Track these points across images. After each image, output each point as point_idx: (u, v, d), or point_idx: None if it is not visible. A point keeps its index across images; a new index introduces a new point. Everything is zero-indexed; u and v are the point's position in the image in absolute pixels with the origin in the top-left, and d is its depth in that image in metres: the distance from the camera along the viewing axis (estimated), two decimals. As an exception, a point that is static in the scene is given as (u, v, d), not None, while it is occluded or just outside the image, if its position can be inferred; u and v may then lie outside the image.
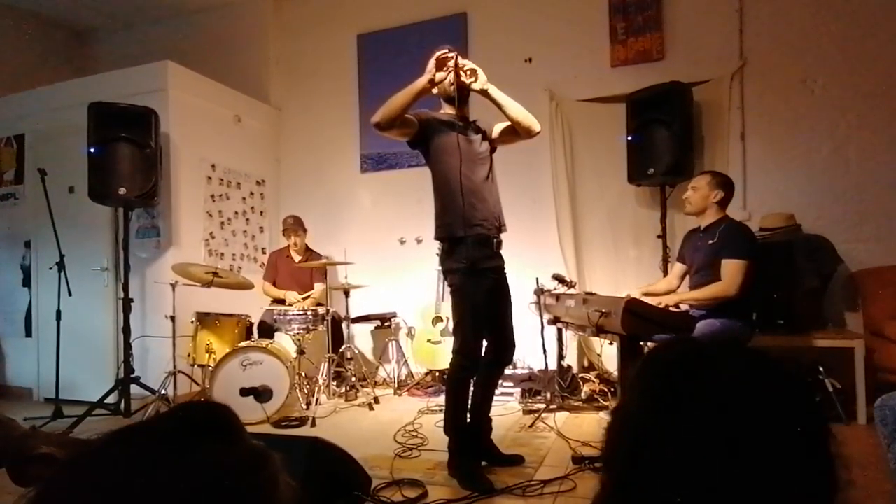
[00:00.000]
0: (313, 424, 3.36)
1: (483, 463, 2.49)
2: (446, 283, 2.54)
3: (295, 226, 4.52)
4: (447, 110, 2.55)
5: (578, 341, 4.27)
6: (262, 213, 5.22)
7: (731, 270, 2.69)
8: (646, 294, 3.00)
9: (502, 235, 2.56)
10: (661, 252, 3.97)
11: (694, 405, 0.57)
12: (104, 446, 0.51)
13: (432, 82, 2.36)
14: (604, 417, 3.28)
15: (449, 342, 2.62)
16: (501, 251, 2.55)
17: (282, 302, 4.34)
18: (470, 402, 2.53)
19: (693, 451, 0.55)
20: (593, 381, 3.82)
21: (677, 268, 3.16)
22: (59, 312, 3.76)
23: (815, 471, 0.55)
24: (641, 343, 2.79)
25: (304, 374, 3.92)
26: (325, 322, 3.90)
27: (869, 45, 3.73)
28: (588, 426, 3.19)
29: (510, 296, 2.63)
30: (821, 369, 3.14)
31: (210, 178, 4.67)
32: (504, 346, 2.57)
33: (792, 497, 0.54)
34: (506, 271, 2.59)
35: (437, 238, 2.52)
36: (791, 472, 0.54)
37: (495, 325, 2.55)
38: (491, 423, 2.63)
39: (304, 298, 4.34)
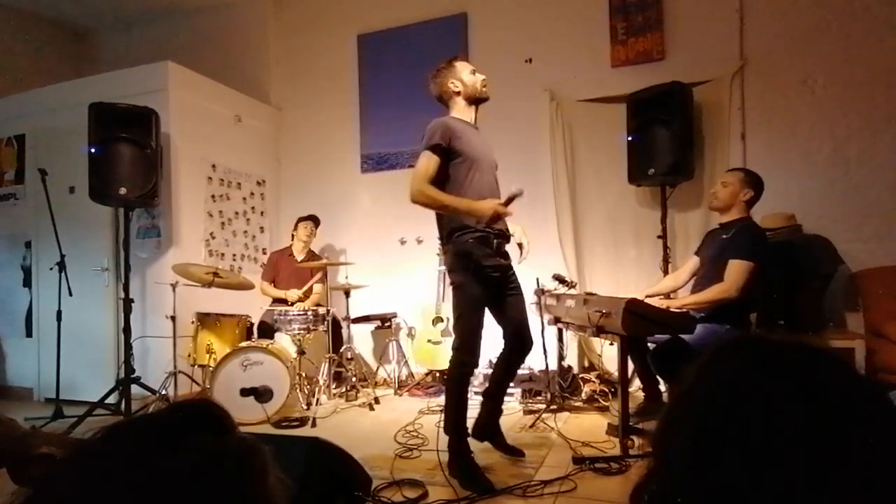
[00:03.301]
0: (314, 425, 3.36)
1: (486, 444, 2.58)
2: (449, 282, 2.57)
3: (314, 220, 4.61)
4: (463, 115, 2.54)
5: (579, 341, 4.27)
6: (262, 213, 5.22)
7: (735, 271, 2.65)
8: (649, 296, 2.98)
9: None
10: (662, 252, 3.97)
11: (776, 404, 0.53)
12: (105, 436, 0.54)
13: (479, 220, 2.32)
14: (612, 414, 3.27)
15: (449, 342, 2.62)
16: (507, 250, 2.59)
17: (283, 301, 4.33)
18: (489, 381, 2.67)
19: (772, 449, 0.51)
20: (594, 382, 3.82)
21: (692, 261, 3.11)
22: (59, 312, 3.76)
23: None
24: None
25: (304, 375, 3.91)
26: (326, 322, 3.90)
27: (869, 44, 3.72)
28: (589, 426, 3.19)
29: (521, 294, 2.65)
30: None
31: (210, 178, 4.67)
32: (521, 340, 2.62)
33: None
34: (514, 271, 2.62)
35: (440, 239, 2.57)
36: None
37: (510, 322, 2.60)
38: (501, 408, 2.70)
39: (304, 292, 4.33)
